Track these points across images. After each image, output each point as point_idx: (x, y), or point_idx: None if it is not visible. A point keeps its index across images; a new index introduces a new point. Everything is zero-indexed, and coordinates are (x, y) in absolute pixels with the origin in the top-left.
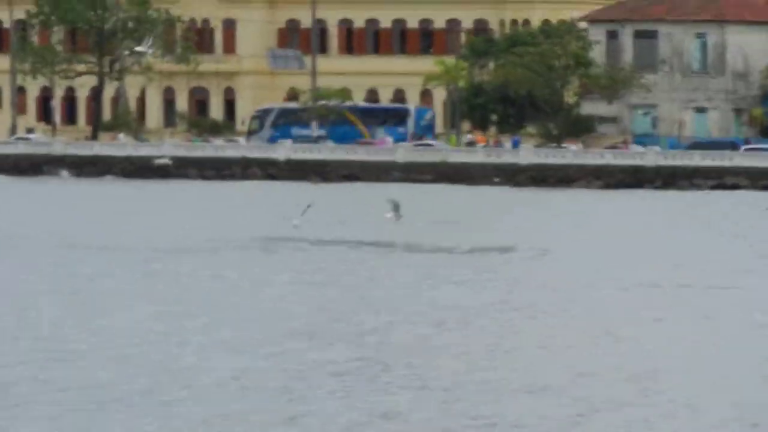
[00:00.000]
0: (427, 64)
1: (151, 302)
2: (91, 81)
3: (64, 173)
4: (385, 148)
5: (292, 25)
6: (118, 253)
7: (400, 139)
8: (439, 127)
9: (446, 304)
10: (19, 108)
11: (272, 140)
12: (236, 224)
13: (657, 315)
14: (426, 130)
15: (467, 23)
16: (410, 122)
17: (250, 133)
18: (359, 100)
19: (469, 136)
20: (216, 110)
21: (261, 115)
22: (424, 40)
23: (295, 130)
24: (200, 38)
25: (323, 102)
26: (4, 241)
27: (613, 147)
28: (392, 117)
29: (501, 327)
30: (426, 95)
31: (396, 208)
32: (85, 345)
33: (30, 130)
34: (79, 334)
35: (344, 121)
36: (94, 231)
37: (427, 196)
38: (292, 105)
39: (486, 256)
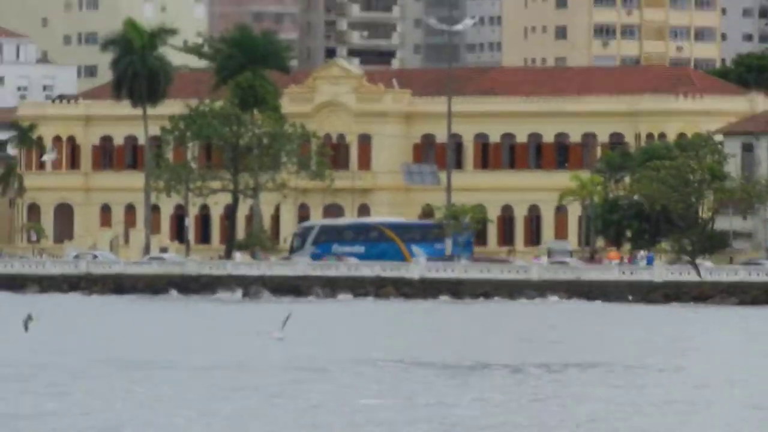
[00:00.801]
0: (562, 178)
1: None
2: (226, 198)
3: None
4: (519, 266)
5: (428, 140)
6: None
7: (437, 255)
8: (574, 243)
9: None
10: (154, 227)
11: (314, 257)
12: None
13: None
14: (464, 248)
15: (603, 137)
16: (448, 240)
17: (292, 251)
18: (494, 215)
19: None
20: None
21: (303, 233)
22: (559, 154)
23: (336, 247)
24: (335, 153)
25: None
26: (144, 365)
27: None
28: (430, 234)
29: None
30: (561, 211)
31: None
32: None
33: (164, 249)
34: None
35: (383, 237)
36: (239, 351)
37: (564, 313)
38: (333, 222)
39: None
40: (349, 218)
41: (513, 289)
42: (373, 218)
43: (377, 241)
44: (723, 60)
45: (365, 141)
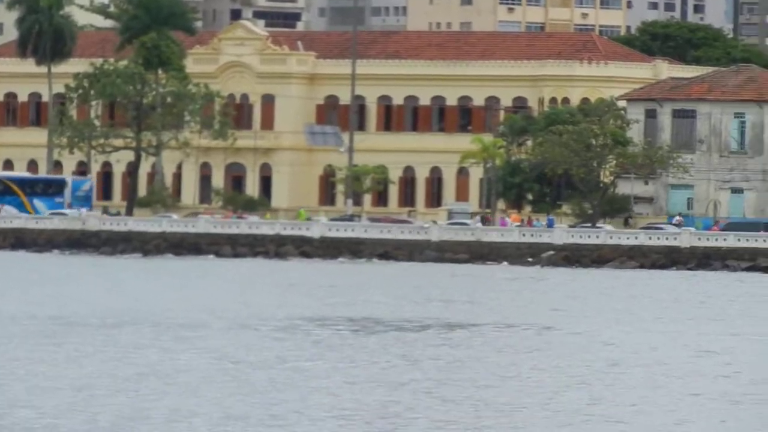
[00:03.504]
0: (464, 141)
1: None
2: (128, 156)
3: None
4: (419, 227)
5: (331, 102)
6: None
7: (57, 208)
8: (475, 206)
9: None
10: None
11: None
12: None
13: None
14: (83, 201)
15: (506, 101)
16: (67, 193)
17: None
18: (395, 177)
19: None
20: (252, 186)
21: None
22: (462, 117)
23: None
24: (238, 114)
25: None
26: (53, 319)
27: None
28: (51, 187)
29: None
30: (462, 173)
31: None
32: None
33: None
34: None
35: (7, 191)
36: (146, 306)
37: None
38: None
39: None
40: None
41: (414, 250)
42: None
43: (1, 194)
44: (628, 27)
45: (269, 101)
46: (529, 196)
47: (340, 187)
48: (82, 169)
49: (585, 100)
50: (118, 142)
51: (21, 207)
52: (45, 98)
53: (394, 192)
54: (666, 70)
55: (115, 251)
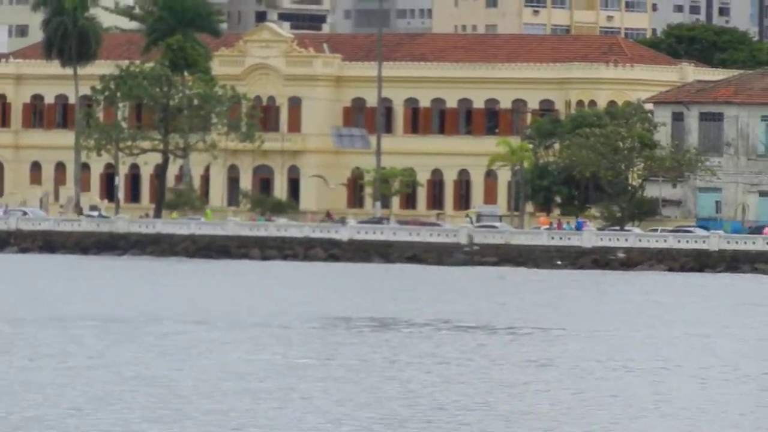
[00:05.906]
0: (491, 144)
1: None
2: (156, 158)
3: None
4: (448, 229)
5: (358, 104)
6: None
7: None
8: (503, 208)
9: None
10: (84, 185)
11: None
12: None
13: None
14: None
15: (533, 104)
16: None
17: None
18: (423, 179)
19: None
20: (279, 189)
21: None
22: (489, 120)
23: None
24: (265, 116)
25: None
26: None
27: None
28: None
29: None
30: (491, 175)
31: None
32: None
33: (93, 207)
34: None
35: None
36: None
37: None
38: None
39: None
40: None
41: (443, 253)
42: None
43: None
44: (653, 30)
45: (295, 104)
46: (558, 199)
47: (368, 190)
48: (110, 171)
49: (611, 103)
50: (146, 144)
51: None
52: (71, 100)
53: (422, 194)
54: (692, 73)
55: (144, 253)
